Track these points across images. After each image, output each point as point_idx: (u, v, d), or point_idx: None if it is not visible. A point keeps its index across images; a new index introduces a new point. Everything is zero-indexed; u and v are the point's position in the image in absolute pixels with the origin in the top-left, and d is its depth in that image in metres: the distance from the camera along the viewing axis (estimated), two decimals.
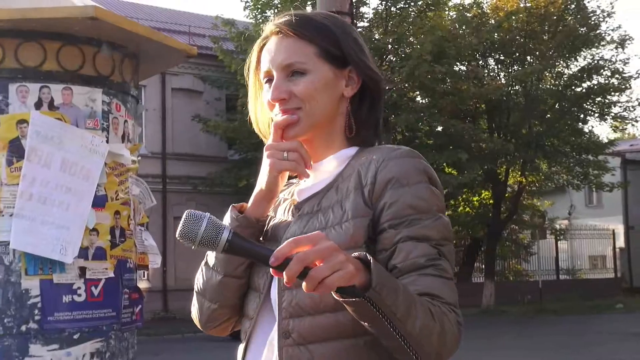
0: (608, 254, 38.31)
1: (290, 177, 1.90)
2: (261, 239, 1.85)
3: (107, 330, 2.91)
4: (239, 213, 1.83)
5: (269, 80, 1.83)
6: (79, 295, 2.85)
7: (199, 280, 1.89)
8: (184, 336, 20.93)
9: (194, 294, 1.91)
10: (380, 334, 1.55)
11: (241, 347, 1.86)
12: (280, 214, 1.87)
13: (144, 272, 3.24)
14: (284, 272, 1.43)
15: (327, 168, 1.84)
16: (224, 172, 26.38)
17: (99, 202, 2.91)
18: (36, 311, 2.78)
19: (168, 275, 26.04)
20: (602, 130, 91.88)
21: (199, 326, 1.96)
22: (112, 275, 2.94)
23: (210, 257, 1.85)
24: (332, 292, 1.47)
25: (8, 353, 2.75)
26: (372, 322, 1.52)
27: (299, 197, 1.84)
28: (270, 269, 1.47)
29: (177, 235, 1.53)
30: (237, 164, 26.65)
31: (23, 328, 2.77)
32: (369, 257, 1.51)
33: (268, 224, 1.87)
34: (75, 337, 2.83)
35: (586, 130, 30.38)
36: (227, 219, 1.83)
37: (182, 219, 1.52)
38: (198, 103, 28.00)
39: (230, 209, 1.84)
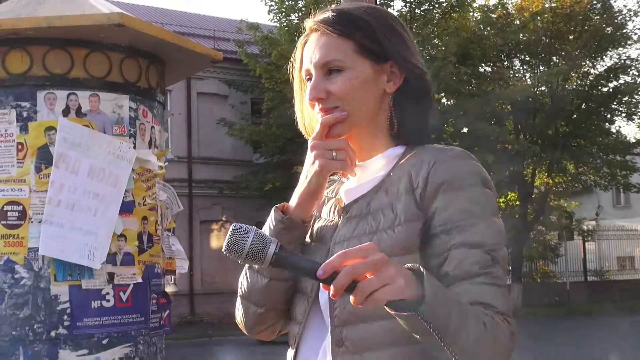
0: (637, 255, 38.02)
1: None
2: (307, 239, 1.82)
3: (135, 336, 2.92)
4: (283, 214, 1.79)
5: (310, 79, 1.79)
6: (108, 300, 2.86)
7: (243, 284, 1.85)
8: (211, 339, 21.00)
9: (238, 297, 1.87)
10: (432, 346, 1.51)
11: (290, 352, 1.83)
12: (325, 214, 1.84)
13: (171, 277, 3.25)
14: (332, 285, 1.40)
15: (374, 167, 1.79)
16: (249, 175, 26.45)
17: (126, 208, 2.92)
18: (65, 317, 2.80)
19: (195, 279, 26.13)
20: (629, 130, 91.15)
21: (244, 330, 1.92)
22: (140, 280, 2.95)
23: None
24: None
25: (38, 358, 2.76)
26: (424, 335, 1.48)
27: (346, 198, 1.80)
28: (320, 283, 1.45)
29: (223, 249, 1.51)
30: (263, 168, 26.73)
31: (52, 334, 2.78)
32: (422, 269, 1.47)
33: (313, 224, 1.84)
34: (104, 342, 2.84)
35: (613, 130, 30.20)
36: (270, 221, 1.80)
37: (229, 232, 1.51)
38: (223, 107, 28.11)
39: (273, 210, 1.81)
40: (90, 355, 2.82)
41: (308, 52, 1.80)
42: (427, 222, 1.65)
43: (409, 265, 1.50)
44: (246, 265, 1.83)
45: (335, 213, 1.80)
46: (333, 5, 1.86)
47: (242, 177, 26.46)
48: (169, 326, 3.17)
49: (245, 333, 1.94)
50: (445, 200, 1.64)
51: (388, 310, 1.44)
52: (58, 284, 2.81)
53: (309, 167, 1.78)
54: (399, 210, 1.67)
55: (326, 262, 1.42)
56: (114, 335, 2.87)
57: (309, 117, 1.88)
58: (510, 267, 29.55)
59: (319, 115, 1.78)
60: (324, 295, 1.70)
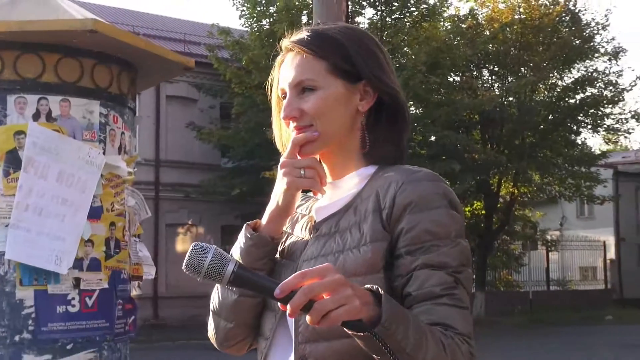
0: (599, 266, 38.43)
1: (305, 191, 1.87)
2: (277, 256, 1.83)
3: (100, 341, 2.93)
4: (254, 231, 1.81)
5: (285, 97, 1.82)
6: (73, 305, 2.86)
7: (214, 300, 1.87)
8: (175, 343, 20.89)
9: (210, 313, 1.89)
10: None
11: None
12: (298, 231, 1.85)
13: (137, 283, 3.25)
14: (288, 304, 1.42)
15: (345, 186, 1.82)
16: (217, 180, 26.38)
17: (94, 214, 2.93)
18: (30, 321, 2.79)
19: (159, 283, 25.97)
20: (594, 142, 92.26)
21: (215, 345, 1.94)
22: (106, 286, 2.95)
23: None
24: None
25: None
26: (381, 355, 1.50)
27: (317, 216, 1.82)
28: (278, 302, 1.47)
29: (183, 267, 1.53)
30: (231, 172, 26.67)
31: (17, 338, 2.78)
32: (380, 291, 1.49)
33: (285, 241, 1.86)
34: (68, 347, 2.84)
35: (579, 142, 30.50)
36: (241, 237, 1.82)
37: (189, 251, 1.53)
38: (192, 111, 28.02)
39: (244, 227, 1.82)
40: None
41: (284, 72, 1.83)
42: (392, 243, 1.67)
43: (368, 286, 1.52)
44: None
45: (307, 231, 1.82)
46: (309, 26, 1.88)
47: (209, 181, 26.38)
48: (134, 332, 3.17)
49: (217, 347, 1.95)
50: (410, 222, 1.66)
51: (345, 329, 1.46)
52: (23, 288, 2.80)
53: (278, 184, 1.80)
54: (365, 230, 1.68)
55: (284, 282, 1.44)
56: (79, 340, 2.87)
57: (286, 135, 1.90)
58: (474, 276, 29.74)
59: (293, 133, 1.81)
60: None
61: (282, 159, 1.80)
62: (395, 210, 1.67)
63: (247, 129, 24.90)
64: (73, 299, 2.86)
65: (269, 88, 1.92)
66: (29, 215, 2.81)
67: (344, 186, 1.83)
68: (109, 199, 2.99)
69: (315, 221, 1.82)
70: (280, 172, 1.79)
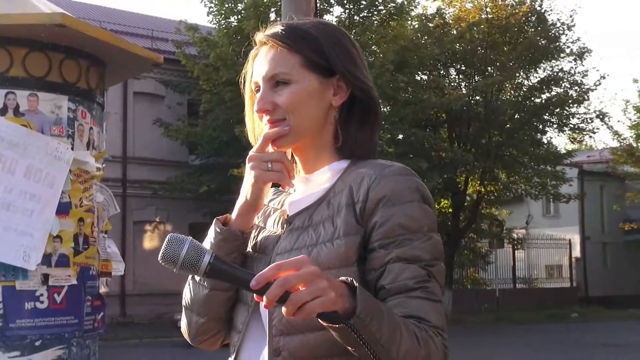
0: (564, 264, 38.79)
1: (277, 185, 1.87)
2: (250, 250, 1.84)
3: (69, 338, 2.91)
4: (223, 225, 1.81)
5: (259, 91, 1.82)
6: (42, 302, 2.84)
7: (186, 295, 1.87)
8: (142, 341, 20.79)
9: (182, 308, 1.89)
10: (365, 358, 1.53)
11: (229, 357, 1.84)
12: (270, 225, 1.85)
13: (106, 279, 3.23)
14: (264, 296, 1.43)
15: (318, 180, 1.82)
16: (184, 177, 26.27)
17: (63, 209, 2.91)
18: None
19: (127, 280, 25.83)
20: (560, 141, 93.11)
21: (188, 340, 1.93)
22: (75, 282, 2.93)
23: None
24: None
25: None
26: (356, 347, 1.51)
27: (290, 210, 1.82)
28: (254, 294, 1.47)
29: (159, 258, 1.53)
30: (198, 170, 26.57)
31: None
32: (355, 283, 1.50)
33: (258, 235, 1.86)
34: (36, 344, 2.82)
35: (545, 141, 30.74)
36: (211, 231, 1.81)
37: (165, 242, 1.53)
38: (160, 107, 27.88)
39: (214, 221, 1.82)
40: (23, 357, 2.80)
41: (257, 65, 1.83)
42: (365, 236, 1.68)
43: (343, 278, 1.53)
44: (189, 277, 1.85)
45: (279, 225, 1.82)
46: (284, 20, 1.89)
47: (177, 178, 26.26)
48: (103, 328, 3.16)
49: (190, 343, 1.95)
50: (383, 216, 1.67)
51: (320, 321, 1.47)
52: None
53: (246, 178, 1.80)
54: (338, 224, 1.69)
55: (260, 273, 1.45)
56: (47, 337, 2.85)
57: (259, 128, 1.89)
58: None
59: (266, 127, 1.81)
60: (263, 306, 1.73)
61: (250, 153, 1.80)
62: (369, 204, 1.68)
63: (215, 126, 24.83)
64: (41, 295, 2.84)
65: (242, 81, 1.92)
66: None
67: (316, 180, 1.83)
68: (78, 194, 2.97)
69: (287, 215, 1.82)
70: (248, 166, 1.79)
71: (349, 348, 1.54)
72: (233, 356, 1.83)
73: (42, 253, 2.83)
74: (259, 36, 1.86)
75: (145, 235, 27.76)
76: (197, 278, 1.82)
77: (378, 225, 1.67)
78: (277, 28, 1.83)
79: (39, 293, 2.84)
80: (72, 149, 2.96)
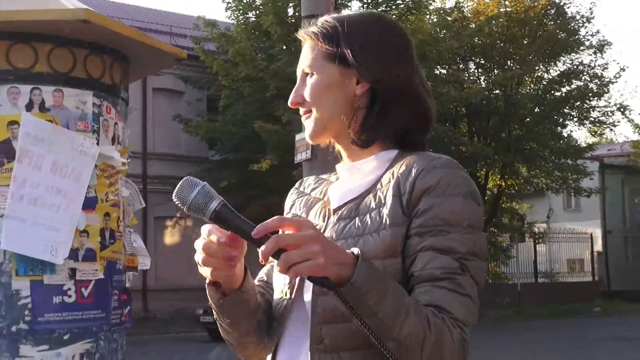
0: (586, 258, 38.58)
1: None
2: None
3: (96, 332, 2.93)
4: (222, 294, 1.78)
5: None
6: (69, 296, 2.86)
7: (220, 325, 1.88)
8: (164, 336, 20.89)
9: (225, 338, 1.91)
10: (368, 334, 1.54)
11: (269, 347, 1.86)
12: (313, 217, 1.86)
13: (131, 274, 3.25)
14: (260, 249, 1.47)
15: (365, 169, 1.83)
16: (204, 172, 26.30)
17: (89, 204, 2.92)
18: (26, 312, 2.79)
19: (148, 275, 25.94)
20: (580, 134, 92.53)
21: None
22: (102, 276, 2.95)
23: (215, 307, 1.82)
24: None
25: None
26: (356, 319, 1.53)
27: (335, 199, 1.83)
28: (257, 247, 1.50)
29: (173, 196, 1.58)
30: (218, 165, 26.63)
31: (13, 329, 2.78)
32: (359, 252, 1.52)
33: None
34: (65, 337, 2.84)
35: (565, 134, 30.60)
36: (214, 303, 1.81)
37: (180, 183, 1.57)
38: (179, 103, 27.97)
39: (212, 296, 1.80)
40: (51, 351, 2.82)
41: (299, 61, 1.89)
42: (409, 226, 1.68)
43: (354, 249, 1.55)
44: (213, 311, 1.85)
45: (321, 217, 1.83)
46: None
47: (197, 173, 26.26)
48: (130, 322, 3.17)
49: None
50: (425, 205, 1.67)
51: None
52: (19, 278, 2.80)
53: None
54: (385, 215, 1.69)
55: (262, 223, 1.49)
56: (75, 331, 2.87)
57: None
58: None
59: (303, 117, 1.85)
60: (308, 294, 1.73)
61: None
62: (414, 194, 1.68)
63: (234, 122, 24.86)
64: (69, 289, 2.86)
65: None
66: (23, 206, 2.81)
67: (362, 169, 1.84)
68: (104, 189, 2.99)
69: (335, 205, 1.83)
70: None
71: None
72: (274, 346, 1.83)
73: (70, 247, 2.84)
74: (299, 33, 1.90)
75: (166, 230, 27.88)
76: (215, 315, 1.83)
77: (419, 214, 1.67)
78: (313, 23, 1.88)
79: (66, 287, 2.85)
80: (98, 144, 2.97)
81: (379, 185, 1.77)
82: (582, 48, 29.69)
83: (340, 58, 1.81)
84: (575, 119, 30.39)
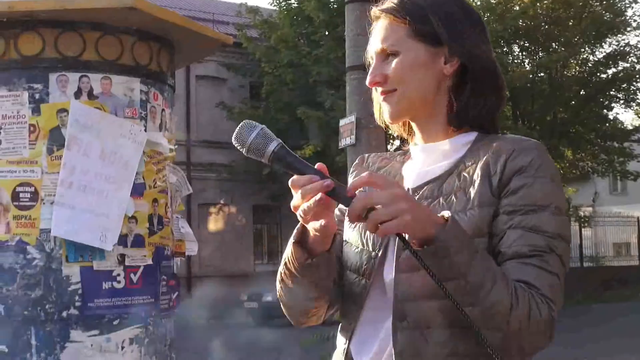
0: (632, 242, 38.10)
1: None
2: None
3: (145, 317, 2.95)
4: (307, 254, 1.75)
5: None
6: (119, 282, 2.88)
7: (280, 292, 1.86)
8: (208, 322, 21.05)
9: (282, 302, 1.89)
10: (454, 300, 1.53)
11: (343, 328, 1.85)
12: None
13: (179, 260, 3.27)
14: (348, 209, 1.48)
15: (443, 150, 1.82)
16: (248, 159, 26.40)
17: (137, 190, 2.94)
18: (77, 297, 2.82)
19: (192, 262, 26.17)
20: (627, 117, 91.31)
21: (293, 322, 1.95)
22: (150, 262, 2.97)
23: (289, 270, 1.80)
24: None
25: (49, 339, 2.79)
26: (444, 282, 1.51)
27: (416, 180, 1.82)
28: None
29: (232, 138, 1.63)
30: None
31: (64, 314, 2.81)
32: (449, 214, 1.53)
33: None
34: (114, 323, 2.87)
35: (611, 117, 30.19)
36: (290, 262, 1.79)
37: (239, 126, 1.63)
38: (222, 90, 28.09)
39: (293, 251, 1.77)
40: (101, 336, 2.84)
41: (371, 40, 1.87)
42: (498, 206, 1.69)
43: (444, 212, 1.56)
44: (282, 266, 1.83)
45: None
46: None
47: (240, 161, 26.45)
48: (178, 308, 3.20)
49: (294, 324, 1.96)
50: (516, 185, 1.68)
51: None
52: (69, 265, 2.83)
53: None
54: (472, 195, 1.70)
55: (353, 180, 1.51)
56: (125, 316, 2.89)
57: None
58: None
59: (380, 97, 1.83)
60: (390, 274, 1.73)
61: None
62: (506, 175, 1.69)
63: (277, 108, 24.93)
64: (118, 275, 2.88)
65: (366, 58, 1.93)
66: (73, 193, 2.83)
67: (440, 150, 1.83)
68: (151, 175, 3.01)
69: (412, 185, 1.82)
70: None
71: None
72: (352, 326, 1.81)
73: (118, 234, 2.87)
74: (373, 10, 1.87)
75: (210, 217, 28.07)
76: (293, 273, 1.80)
77: (509, 193, 1.68)
78: (388, 1, 1.85)
79: (115, 273, 2.88)
80: (145, 130, 2.99)
81: (461, 166, 1.76)
82: (629, 29, 29.20)
83: (429, 36, 1.79)
84: (622, 101, 29.94)
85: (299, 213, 1.63)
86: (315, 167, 1.58)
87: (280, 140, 1.61)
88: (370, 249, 1.80)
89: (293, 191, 1.63)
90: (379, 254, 1.77)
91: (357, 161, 2.04)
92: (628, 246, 38.84)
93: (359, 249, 1.83)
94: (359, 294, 1.79)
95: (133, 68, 3.00)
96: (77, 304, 2.82)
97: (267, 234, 30.28)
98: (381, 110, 1.90)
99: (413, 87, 1.79)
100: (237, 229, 28.64)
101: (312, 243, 1.73)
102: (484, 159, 1.72)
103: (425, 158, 1.84)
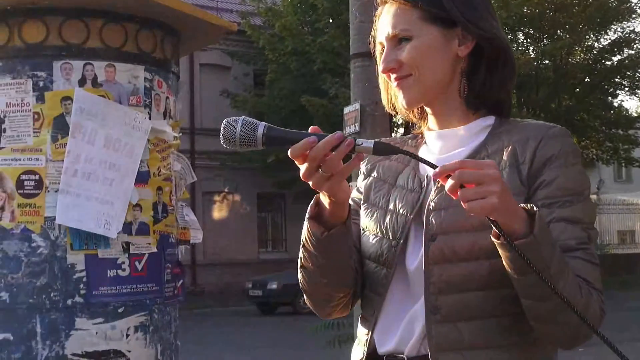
0: (637, 229, 38.12)
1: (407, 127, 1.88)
2: (382, 207, 1.82)
3: (150, 305, 2.95)
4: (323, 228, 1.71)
5: (384, 51, 1.80)
6: (123, 269, 2.89)
7: (302, 279, 1.83)
8: (213, 310, 21.11)
9: (304, 290, 1.85)
10: (525, 292, 1.54)
11: (364, 318, 1.83)
12: (403, 182, 1.82)
13: (184, 247, 3.27)
14: (446, 185, 1.46)
15: (461, 136, 1.79)
16: None
17: (142, 178, 2.94)
18: (81, 285, 2.82)
19: (197, 250, 26.22)
20: (632, 104, 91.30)
21: (320, 316, 1.93)
22: (155, 250, 2.97)
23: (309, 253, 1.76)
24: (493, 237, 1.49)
25: (55, 326, 2.79)
26: (524, 275, 1.51)
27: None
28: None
29: (221, 142, 1.56)
30: None
31: (69, 302, 2.81)
32: (535, 208, 1.51)
33: (389, 192, 1.83)
34: (119, 310, 2.87)
35: (616, 104, 30.12)
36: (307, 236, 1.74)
37: (221, 127, 1.56)
38: (226, 78, 28.08)
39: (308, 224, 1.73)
40: (106, 324, 2.85)
41: (380, 25, 1.82)
42: (528, 196, 1.67)
43: (524, 205, 1.53)
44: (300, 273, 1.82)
45: (415, 183, 1.80)
46: None
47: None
48: (183, 296, 3.20)
49: (321, 317, 1.94)
50: (550, 175, 1.67)
51: (494, 240, 1.50)
52: (74, 252, 2.83)
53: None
54: None
55: (443, 165, 1.46)
56: (129, 304, 2.90)
57: (394, 95, 1.86)
58: None
59: (394, 84, 1.79)
60: (414, 264, 1.71)
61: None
62: (536, 164, 1.68)
63: (281, 96, 24.92)
64: (123, 263, 2.88)
65: (372, 44, 1.88)
66: (77, 180, 2.83)
67: (457, 136, 1.80)
68: (156, 163, 3.00)
69: (420, 172, 1.80)
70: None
71: (513, 276, 1.53)
72: (374, 316, 1.79)
73: (123, 221, 2.87)
74: None
75: (214, 205, 28.12)
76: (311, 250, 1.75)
77: (544, 185, 1.67)
78: None
79: (120, 261, 2.88)
80: (150, 118, 2.99)
81: (484, 152, 1.74)
82: (634, 16, 29.09)
83: (441, 18, 1.76)
84: (627, 89, 29.86)
85: (321, 173, 1.56)
86: (309, 130, 1.54)
87: (265, 123, 1.57)
88: (391, 237, 1.77)
89: (297, 163, 1.58)
90: (400, 243, 1.75)
91: None
92: (633, 234, 38.84)
93: (378, 237, 1.80)
94: (381, 284, 1.77)
95: (137, 56, 3.00)
96: (82, 291, 2.82)
97: (272, 222, 30.33)
98: (391, 97, 1.87)
99: (429, 71, 1.75)
100: (241, 217, 28.69)
101: (327, 216, 1.69)
102: (510, 147, 1.71)
103: (443, 145, 1.80)
